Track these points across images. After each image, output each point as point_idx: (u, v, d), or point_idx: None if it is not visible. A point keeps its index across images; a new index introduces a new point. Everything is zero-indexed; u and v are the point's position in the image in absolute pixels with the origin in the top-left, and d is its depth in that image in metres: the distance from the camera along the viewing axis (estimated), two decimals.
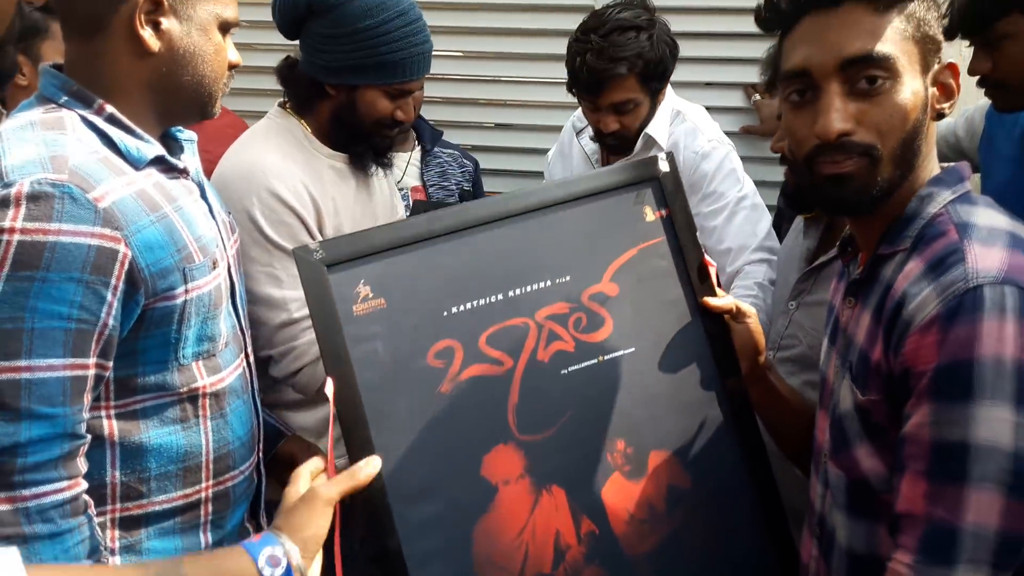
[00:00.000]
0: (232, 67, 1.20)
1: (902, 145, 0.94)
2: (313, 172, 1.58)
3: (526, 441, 1.11)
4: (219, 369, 1.18)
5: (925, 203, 0.97)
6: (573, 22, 2.56)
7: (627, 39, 1.82)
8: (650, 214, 1.20)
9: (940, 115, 0.99)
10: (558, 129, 2.55)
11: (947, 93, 0.99)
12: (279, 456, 1.56)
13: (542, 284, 1.15)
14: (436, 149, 2.34)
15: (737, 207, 1.88)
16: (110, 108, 1.09)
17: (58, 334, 0.97)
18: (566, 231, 1.17)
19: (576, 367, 1.15)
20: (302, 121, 1.62)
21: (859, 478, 0.98)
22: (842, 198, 0.97)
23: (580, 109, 2.18)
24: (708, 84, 2.66)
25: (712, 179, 1.89)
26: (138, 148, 1.10)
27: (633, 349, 1.17)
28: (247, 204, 1.48)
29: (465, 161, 2.39)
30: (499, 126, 2.80)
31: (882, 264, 0.99)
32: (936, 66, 0.98)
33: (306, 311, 1.48)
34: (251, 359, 1.30)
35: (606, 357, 1.16)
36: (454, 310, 1.11)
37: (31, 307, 0.96)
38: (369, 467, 1.01)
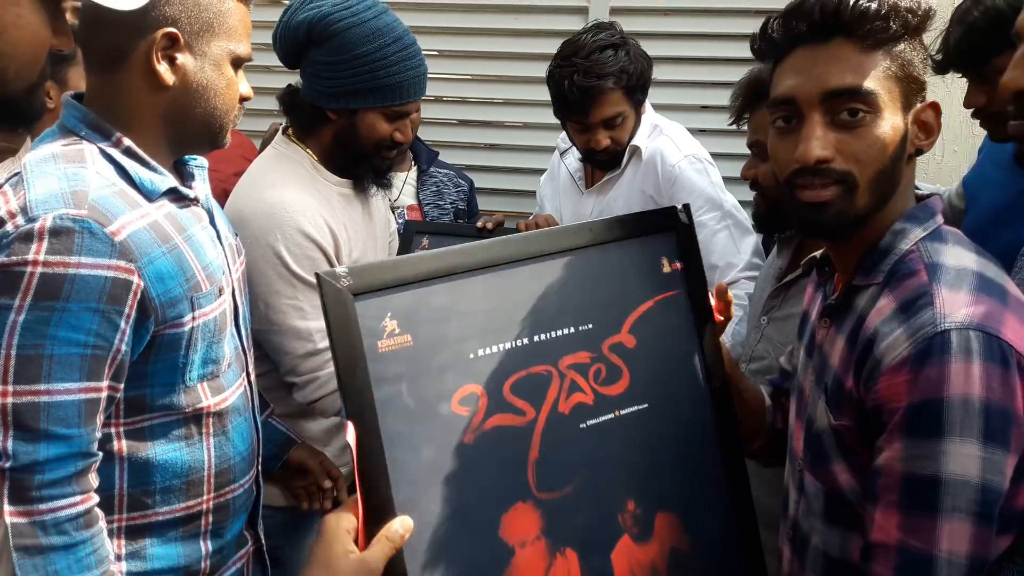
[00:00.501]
0: (243, 100, 1.26)
1: (879, 176, 0.99)
2: (326, 202, 1.65)
3: (544, 500, 1.06)
4: (222, 389, 1.24)
5: (898, 239, 1.02)
6: (567, 22, 2.66)
7: (608, 56, 1.92)
8: (667, 265, 1.17)
9: (919, 151, 1.04)
10: (550, 150, 2.63)
11: (927, 131, 1.03)
12: (289, 463, 1.65)
13: (566, 331, 1.10)
14: (432, 169, 2.40)
15: (719, 224, 1.95)
16: (127, 141, 1.16)
17: (75, 360, 1.04)
18: (590, 276, 1.13)
19: (594, 421, 1.10)
20: (307, 149, 1.69)
21: (836, 491, 1.04)
22: (819, 223, 1.01)
23: (563, 133, 2.26)
24: (704, 107, 2.74)
25: (690, 193, 1.95)
26: (152, 180, 1.16)
27: (645, 405, 1.13)
28: (271, 240, 1.55)
29: (460, 180, 2.45)
30: (492, 146, 2.87)
31: (856, 294, 1.05)
32: (918, 104, 1.02)
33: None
34: (252, 378, 1.36)
35: (621, 412, 1.13)
36: (480, 352, 1.04)
37: (51, 335, 1.03)
38: (403, 530, 0.94)
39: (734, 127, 1.69)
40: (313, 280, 1.54)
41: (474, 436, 1.03)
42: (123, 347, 1.08)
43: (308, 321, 1.56)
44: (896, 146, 0.99)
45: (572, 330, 1.10)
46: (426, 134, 2.66)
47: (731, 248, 1.95)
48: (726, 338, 1.89)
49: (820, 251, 1.54)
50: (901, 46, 1.00)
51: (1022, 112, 1.08)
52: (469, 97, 2.86)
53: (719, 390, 1.18)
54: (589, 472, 1.09)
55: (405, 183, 2.34)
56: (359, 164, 1.69)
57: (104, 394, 1.08)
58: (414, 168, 2.38)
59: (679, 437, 1.15)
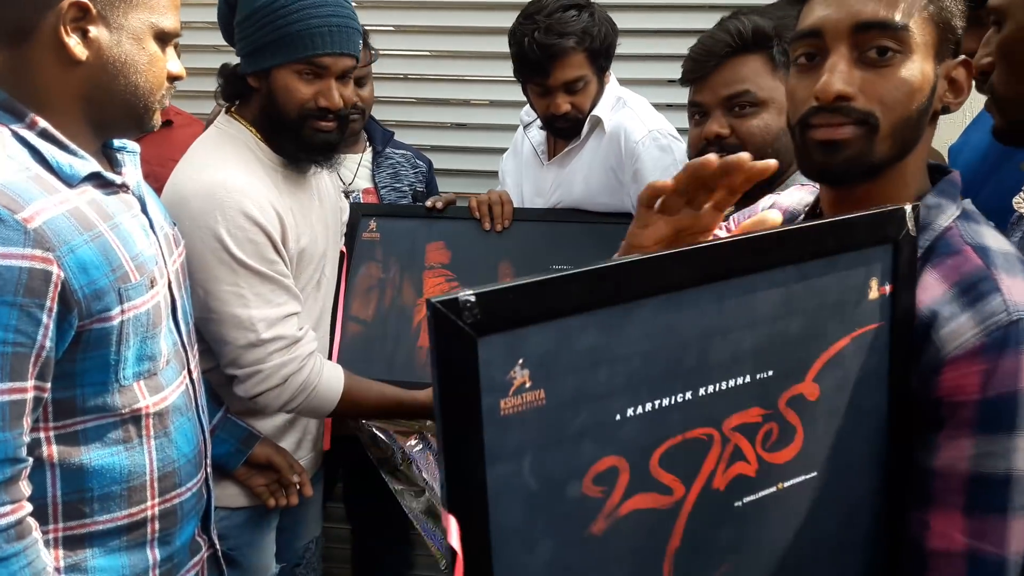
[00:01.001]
0: (173, 79, 1.18)
1: (903, 122, 0.92)
2: (271, 183, 1.56)
3: None
4: (161, 388, 1.17)
5: (933, 213, 0.95)
6: None
7: (571, 16, 1.85)
8: (875, 288, 0.88)
9: (946, 109, 0.96)
10: (513, 128, 2.57)
11: (956, 89, 0.96)
12: (253, 459, 1.59)
13: (741, 380, 0.82)
14: (388, 150, 2.31)
15: None
16: (43, 123, 1.07)
17: None
18: (774, 304, 0.82)
19: (752, 497, 0.85)
20: (250, 127, 1.59)
21: None
22: (832, 164, 0.93)
23: (527, 105, 2.20)
24: (670, 81, 2.67)
25: (653, 171, 1.89)
26: (71, 165, 1.08)
27: (814, 474, 0.87)
28: (211, 223, 1.45)
29: (418, 162, 2.37)
30: (455, 125, 2.78)
31: None
32: (950, 60, 0.95)
33: (274, 331, 1.50)
34: (194, 375, 1.29)
35: (786, 484, 0.86)
36: (629, 413, 0.76)
37: None
38: None
39: None
40: (257, 266, 1.47)
41: (606, 524, 0.77)
42: (47, 343, 1.01)
43: (250, 309, 1.48)
44: (924, 95, 0.92)
45: (748, 379, 0.82)
46: (384, 114, 2.58)
47: None
48: None
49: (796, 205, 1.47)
50: None
51: (989, 92, 1.02)
52: (429, 74, 2.77)
53: (901, 453, 0.92)
54: (736, 561, 0.85)
55: (360, 166, 2.25)
56: (284, 136, 1.58)
57: (30, 395, 1.01)
58: (369, 150, 2.29)
59: (847, 513, 0.91)
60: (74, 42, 1.07)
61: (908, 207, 0.87)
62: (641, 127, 1.93)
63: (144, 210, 1.21)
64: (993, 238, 0.94)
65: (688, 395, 0.79)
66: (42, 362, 1.02)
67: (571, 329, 0.71)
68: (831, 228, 0.84)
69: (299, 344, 1.55)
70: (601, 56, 1.91)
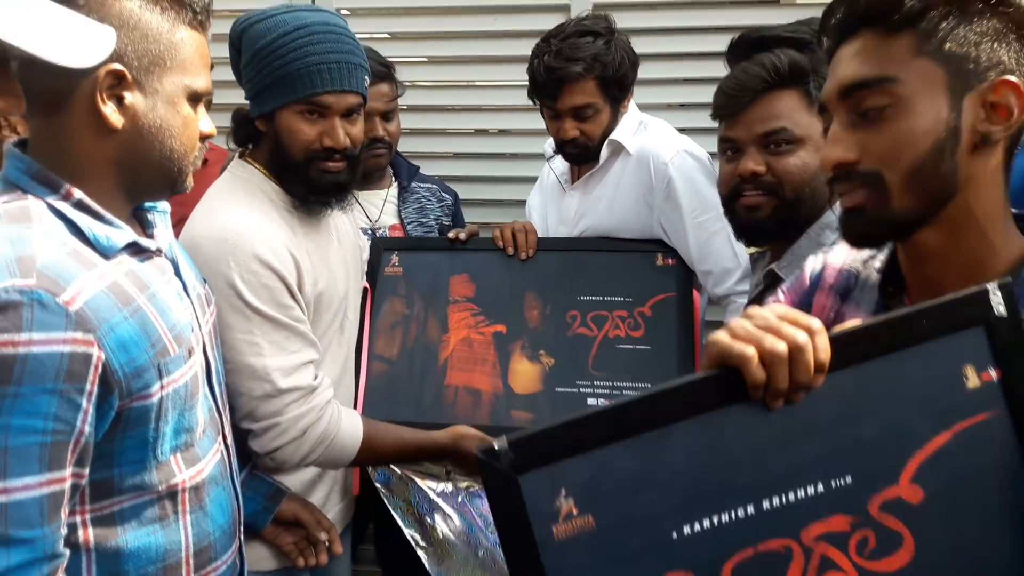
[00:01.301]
0: (204, 138, 1.16)
1: (915, 172, 0.88)
2: (286, 226, 1.54)
3: None
4: (197, 459, 1.15)
5: None
6: (550, 22, 2.57)
7: (584, 42, 1.84)
8: (973, 376, 0.81)
9: (986, 139, 0.88)
10: (536, 156, 2.55)
11: (1000, 114, 0.88)
12: (281, 516, 1.55)
13: (810, 490, 0.79)
14: (413, 184, 2.30)
15: (716, 226, 1.85)
16: (78, 194, 1.04)
17: (34, 450, 0.93)
18: (834, 410, 0.79)
19: None
20: (263, 170, 1.58)
21: None
22: (854, 229, 0.94)
23: (551, 139, 2.18)
24: (682, 105, 2.65)
25: (686, 192, 1.87)
26: (108, 236, 1.06)
27: None
28: (224, 268, 1.43)
29: (444, 195, 2.35)
30: (480, 155, 2.77)
31: None
32: (982, 84, 0.87)
33: (291, 381, 1.46)
34: (228, 439, 1.27)
35: None
36: (687, 530, 0.78)
37: (4, 425, 0.91)
38: None
39: (711, 125, 1.58)
40: (271, 312, 1.44)
41: None
42: (86, 428, 0.97)
43: (265, 358, 1.44)
44: (937, 136, 0.87)
45: (820, 487, 0.79)
46: (408, 145, 2.58)
47: (728, 252, 1.86)
48: None
49: (776, 262, 1.43)
50: (944, 22, 0.87)
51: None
52: (448, 105, 2.77)
53: None
54: None
55: (386, 202, 2.24)
56: (293, 179, 1.55)
57: (68, 483, 0.97)
58: (395, 185, 2.28)
59: None
60: (110, 110, 1.04)
61: (992, 286, 0.80)
62: (669, 147, 1.90)
63: (177, 272, 1.18)
64: None
65: (751, 509, 0.78)
66: (80, 448, 0.98)
67: (608, 458, 0.77)
68: (906, 316, 0.80)
69: (316, 393, 1.51)
70: (614, 85, 1.88)
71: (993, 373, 0.80)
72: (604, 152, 1.95)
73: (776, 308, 0.80)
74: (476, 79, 2.77)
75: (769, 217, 1.44)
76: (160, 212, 1.22)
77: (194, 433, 1.13)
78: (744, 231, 1.50)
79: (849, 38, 0.93)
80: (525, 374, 1.81)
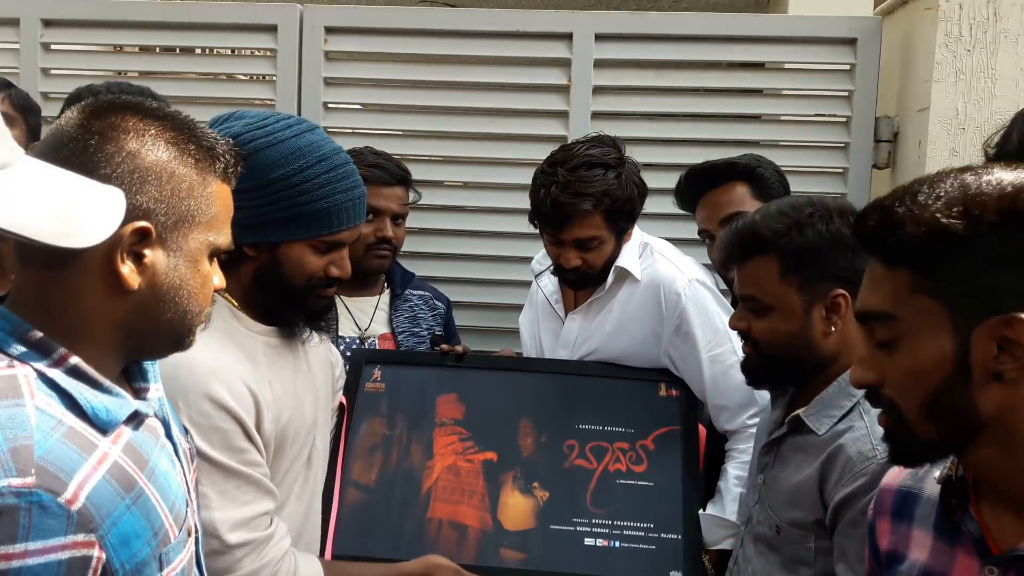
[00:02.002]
0: (215, 291, 1.05)
1: (927, 406, 0.87)
2: (248, 359, 1.42)
3: None
4: None
5: None
6: (548, 152, 2.57)
7: (594, 175, 1.77)
8: None
9: (998, 376, 0.83)
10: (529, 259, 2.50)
11: (1015, 351, 0.82)
12: None
13: None
14: (407, 291, 2.22)
15: (732, 358, 1.78)
16: (74, 359, 0.90)
17: None
18: None
19: None
20: (227, 297, 1.46)
21: None
22: (892, 451, 0.95)
23: (540, 252, 2.12)
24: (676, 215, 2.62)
25: (700, 324, 1.80)
26: (107, 408, 0.91)
27: None
28: (174, 411, 1.30)
29: (436, 303, 2.26)
30: (472, 257, 2.71)
31: None
32: (991, 320, 0.82)
33: (240, 535, 1.32)
34: None
35: None
36: None
37: None
38: None
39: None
40: (222, 459, 1.31)
41: None
42: None
43: (212, 511, 1.30)
44: (944, 373, 0.85)
45: None
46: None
47: (745, 386, 1.79)
48: (729, 501, 1.75)
49: (803, 409, 1.40)
50: (941, 256, 0.84)
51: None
52: (436, 205, 2.71)
53: None
54: None
55: (377, 309, 2.15)
56: (287, 306, 1.46)
57: None
58: (387, 292, 2.20)
59: None
60: (128, 269, 0.91)
61: None
62: (680, 277, 1.84)
63: (168, 433, 1.05)
64: None
65: None
66: None
67: None
68: None
69: (270, 545, 1.38)
70: (621, 218, 1.82)
71: None
72: (610, 280, 1.88)
73: None
74: (471, 179, 2.73)
75: (758, 368, 1.48)
76: (149, 363, 1.08)
77: None
78: (745, 375, 1.52)
79: (869, 259, 0.93)
80: (517, 508, 1.68)
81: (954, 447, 0.90)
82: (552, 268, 1.97)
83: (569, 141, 2.47)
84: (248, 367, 1.41)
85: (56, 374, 0.88)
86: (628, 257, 1.88)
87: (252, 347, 1.44)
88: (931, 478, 1.02)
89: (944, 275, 0.84)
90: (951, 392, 0.85)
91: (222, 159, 1.01)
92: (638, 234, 1.94)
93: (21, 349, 0.88)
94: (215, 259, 1.03)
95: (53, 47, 2.74)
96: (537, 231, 1.91)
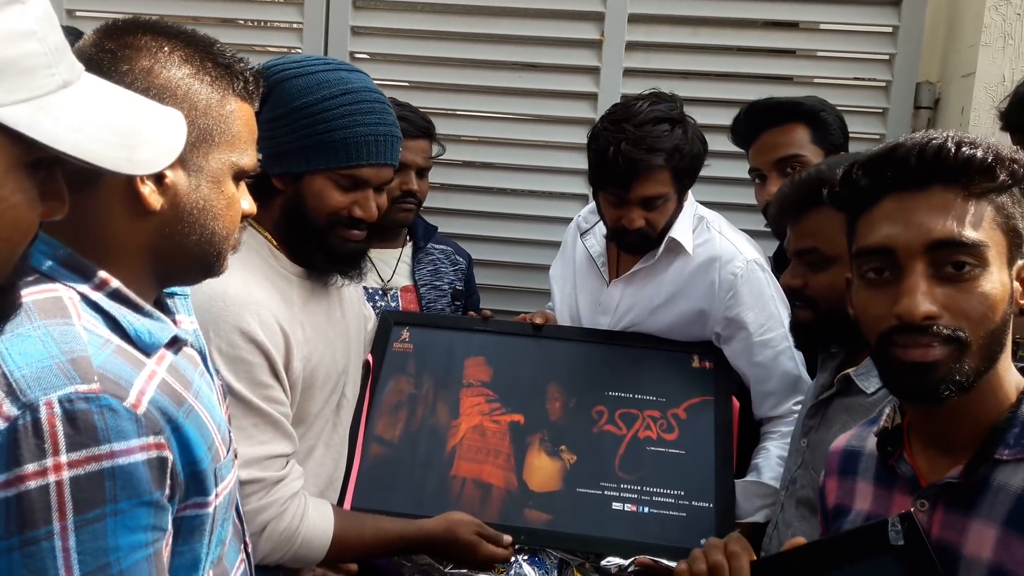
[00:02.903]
0: (246, 217, 1.03)
1: (991, 336, 0.93)
2: (282, 297, 1.43)
3: None
4: (226, 573, 1.03)
5: None
6: (577, 109, 2.51)
7: (663, 131, 1.72)
8: None
9: (1022, 311, 0.97)
10: (558, 220, 2.46)
11: None
12: None
13: None
14: (429, 245, 2.21)
15: (783, 344, 1.76)
16: (115, 283, 0.91)
17: (143, 565, 0.83)
18: None
19: None
20: (265, 233, 1.46)
21: None
22: (922, 386, 0.94)
23: (586, 209, 2.08)
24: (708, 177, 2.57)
25: (753, 306, 1.77)
26: (150, 331, 0.92)
27: None
28: (202, 339, 1.32)
29: (458, 258, 2.26)
30: (497, 215, 2.68)
31: (995, 469, 0.94)
32: (1021, 260, 0.96)
33: (250, 472, 1.32)
34: (250, 548, 1.14)
35: None
36: None
37: (113, 548, 0.80)
38: None
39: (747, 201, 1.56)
40: (244, 391, 1.31)
41: None
42: (171, 528, 0.89)
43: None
44: (1005, 304, 0.94)
45: None
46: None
47: (794, 372, 1.76)
48: (768, 474, 1.73)
49: (852, 368, 1.42)
50: (1004, 197, 0.95)
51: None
52: (459, 160, 2.68)
53: None
54: None
55: (399, 262, 2.15)
56: (308, 243, 1.45)
57: None
58: (409, 244, 2.19)
59: None
60: (148, 190, 0.90)
61: (892, 518, 0.94)
62: (738, 257, 1.80)
63: (205, 363, 1.06)
64: None
65: None
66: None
67: None
68: (801, 555, 1.00)
69: (280, 486, 1.38)
70: (686, 176, 1.78)
71: None
72: (660, 249, 1.84)
73: (718, 542, 1.08)
74: (496, 136, 2.68)
75: (813, 328, 1.45)
76: (181, 296, 1.09)
77: (225, 544, 1.02)
78: (795, 340, 1.52)
79: (916, 189, 0.95)
80: (543, 470, 1.67)
81: (973, 384, 0.93)
82: (604, 229, 1.91)
83: (599, 98, 2.48)
84: (282, 306, 1.41)
85: (99, 297, 0.89)
86: (681, 229, 1.83)
87: (287, 287, 1.45)
88: (872, 438, 1.11)
89: (1008, 215, 0.95)
90: (1007, 323, 0.94)
91: (240, 77, 0.99)
92: (692, 205, 1.90)
93: (63, 272, 0.88)
94: (241, 182, 1.02)
95: (77, 14, 2.69)
96: (582, 193, 1.89)
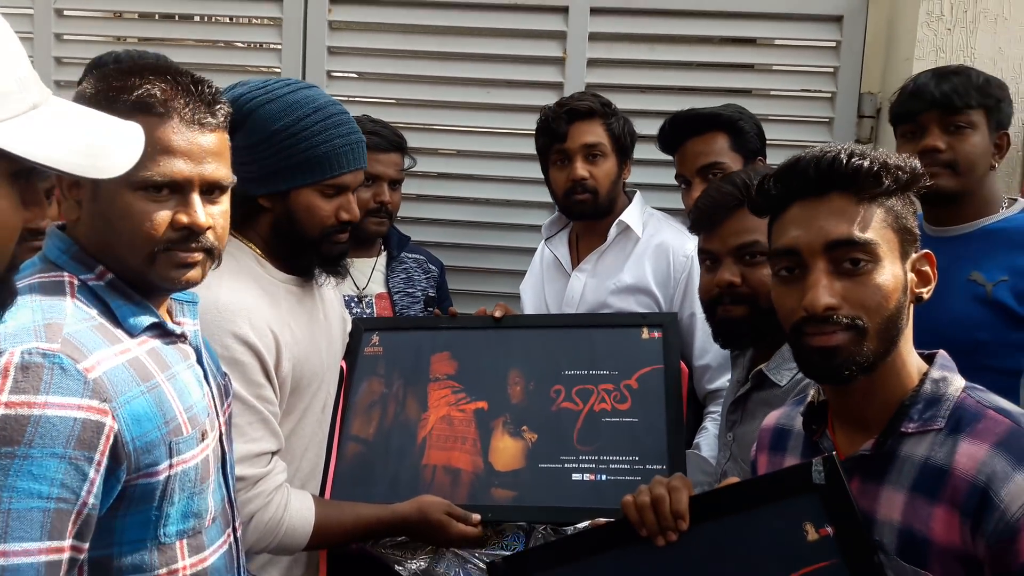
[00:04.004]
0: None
1: (885, 322, 1.05)
2: (271, 302, 1.55)
3: None
4: (203, 548, 1.13)
5: (942, 385, 1.08)
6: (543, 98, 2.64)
7: (587, 96, 2.05)
8: (812, 532, 1.07)
9: (919, 299, 1.11)
10: (525, 227, 2.60)
11: (924, 279, 1.11)
12: None
13: None
14: (402, 254, 2.33)
15: None
16: (110, 275, 1.09)
17: (36, 515, 0.91)
18: (713, 548, 1.13)
19: None
20: (251, 245, 1.59)
21: None
22: (829, 368, 1.06)
23: (548, 220, 2.24)
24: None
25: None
26: (134, 316, 1.09)
27: None
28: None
29: (430, 266, 2.38)
30: (468, 224, 2.81)
31: (902, 441, 1.07)
32: (914, 254, 1.10)
33: (241, 469, 1.42)
34: (238, 533, 1.25)
35: None
36: None
37: (9, 486, 0.89)
38: None
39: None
40: (241, 391, 1.44)
41: None
42: (91, 500, 0.96)
43: None
44: (899, 294, 1.06)
45: None
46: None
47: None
48: (707, 452, 1.86)
49: (765, 364, 1.53)
50: (893, 200, 1.08)
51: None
52: (433, 172, 2.82)
53: None
54: None
55: (374, 270, 2.27)
56: (305, 253, 1.59)
57: (66, 555, 0.93)
58: (383, 254, 2.31)
59: None
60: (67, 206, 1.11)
61: (816, 460, 1.06)
62: (689, 242, 1.96)
63: (200, 360, 1.20)
64: (1001, 400, 1.07)
65: None
66: (82, 520, 0.96)
67: (564, 574, 1.20)
68: (752, 483, 1.16)
69: (265, 479, 1.48)
70: (619, 137, 2.02)
71: (829, 529, 1.05)
72: (612, 232, 2.02)
73: (661, 479, 1.19)
74: (468, 148, 2.83)
75: (746, 323, 1.53)
76: (190, 302, 1.24)
77: (203, 520, 1.12)
78: (723, 336, 1.58)
79: (817, 196, 1.09)
80: (507, 451, 1.77)
81: (875, 365, 1.06)
82: (566, 236, 2.11)
83: None
84: (271, 310, 1.53)
85: (96, 285, 1.09)
86: (632, 215, 2.03)
87: (275, 292, 1.58)
88: (799, 417, 1.23)
89: (897, 215, 1.08)
90: (902, 310, 1.07)
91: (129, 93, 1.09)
92: (643, 203, 2.10)
93: (70, 263, 1.09)
94: (188, 194, 1.11)
95: (66, 13, 2.82)
96: (547, 201, 2.08)
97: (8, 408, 0.91)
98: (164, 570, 1.08)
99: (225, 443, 1.23)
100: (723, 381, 1.92)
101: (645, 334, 1.87)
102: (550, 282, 2.18)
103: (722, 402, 1.88)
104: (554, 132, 2.00)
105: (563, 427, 1.77)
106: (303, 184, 1.53)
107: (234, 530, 1.23)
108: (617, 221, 2.01)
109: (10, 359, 0.93)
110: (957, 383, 1.08)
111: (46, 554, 0.91)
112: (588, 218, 2.06)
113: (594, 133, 2.01)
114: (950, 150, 1.76)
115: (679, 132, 2.14)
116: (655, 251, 2.00)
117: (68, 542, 0.94)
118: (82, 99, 1.09)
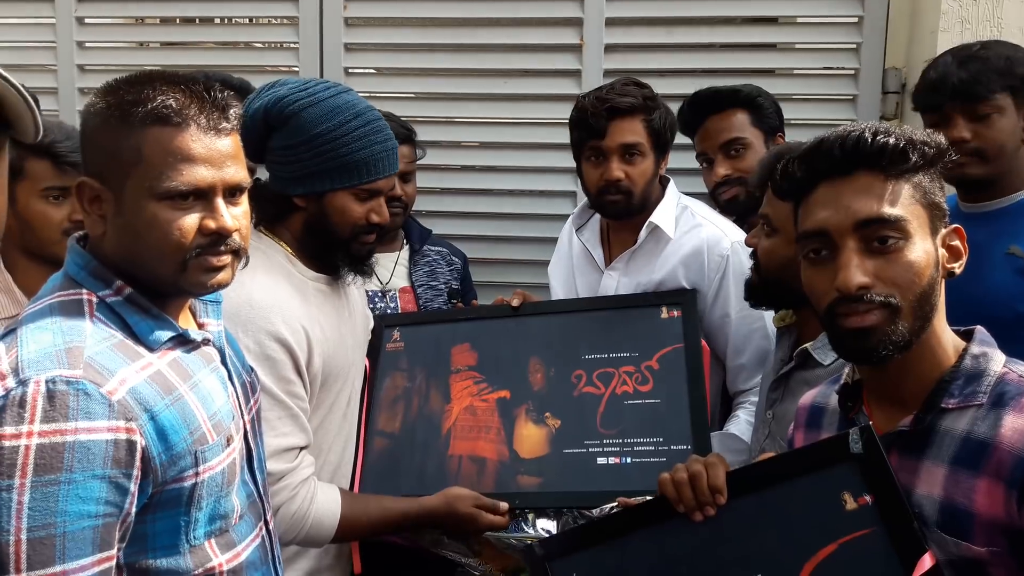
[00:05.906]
0: (219, 233, 1.18)
1: (919, 299, 1.04)
2: (303, 300, 1.59)
3: None
4: (233, 544, 1.16)
5: (983, 361, 1.07)
6: (561, 111, 2.64)
7: (633, 90, 1.92)
8: (850, 501, 1.08)
9: (951, 274, 1.10)
10: (549, 217, 2.59)
11: (955, 254, 1.10)
12: None
13: None
14: (425, 247, 2.34)
15: (759, 322, 1.89)
16: (129, 289, 1.10)
17: (87, 533, 0.97)
18: (752, 521, 1.14)
19: None
20: (282, 243, 1.63)
21: None
22: (865, 349, 1.05)
23: (577, 208, 2.21)
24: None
25: (736, 284, 1.88)
26: (153, 330, 1.10)
27: None
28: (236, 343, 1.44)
29: (453, 258, 2.38)
30: (491, 215, 2.80)
31: (942, 417, 1.06)
32: (943, 230, 1.09)
33: (269, 464, 1.42)
34: (271, 525, 1.27)
35: None
36: None
37: (61, 511, 0.95)
38: None
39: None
40: (270, 385, 1.46)
41: None
42: (132, 509, 1.02)
43: None
44: (931, 269, 1.06)
45: None
46: (419, 203, 2.62)
47: (765, 349, 1.87)
48: (742, 436, 1.83)
49: (810, 343, 1.49)
50: (920, 176, 1.07)
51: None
52: (454, 165, 2.81)
53: None
54: None
55: (397, 264, 2.28)
56: (334, 252, 1.63)
57: (115, 561, 1.02)
58: (406, 248, 2.32)
59: None
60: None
61: (853, 431, 1.06)
62: (724, 239, 1.93)
63: (224, 360, 1.22)
64: None
65: None
66: (125, 526, 1.02)
67: (600, 554, 1.22)
68: (791, 456, 1.17)
69: (291, 474, 1.52)
70: (659, 136, 1.92)
71: (868, 498, 1.06)
72: (643, 234, 1.96)
73: (697, 457, 1.20)
74: (488, 139, 2.82)
75: (759, 289, 1.59)
76: (213, 302, 1.25)
77: (229, 519, 1.15)
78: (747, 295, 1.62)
79: (843, 176, 1.08)
80: (531, 438, 1.77)
81: (911, 343, 1.05)
82: (597, 225, 2.05)
83: None
84: (302, 307, 1.57)
85: (115, 301, 1.09)
86: (663, 214, 1.95)
87: (304, 290, 1.61)
88: (835, 396, 1.23)
89: (925, 191, 1.07)
90: (935, 285, 1.06)
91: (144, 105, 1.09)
92: (676, 195, 2.02)
93: (89, 280, 1.10)
94: (212, 199, 1.12)
95: (88, 21, 2.86)
96: (569, 190, 2.02)
97: (42, 437, 0.95)
98: (200, 570, 1.10)
99: (251, 439, 1.24)
100: (757, 380, 1.89)
101: (664, 313, 1.86)
102: (581, 275, 2.13)
103: (754, 391, 1.86)
104: (591, 128, 1.90)
105: (586, 412, 1.77)
106: (340, 187, 1.58)
107: (266, 523, 1.25)
108: (647, 223, 1.94)
109: (36, 389, 0.96)
110: (998, 358, 1.08)
111: (99, 565, 0.98)
112: (621, 218, 2.00)
113: (634, 132, 1.90)
114: (977, 138, 1.72)
115: (699, 111, 2.13)
116: (688, 252, 1.94)
117: (115, 548, 1.01)
118: (92, 114, 1.11)
